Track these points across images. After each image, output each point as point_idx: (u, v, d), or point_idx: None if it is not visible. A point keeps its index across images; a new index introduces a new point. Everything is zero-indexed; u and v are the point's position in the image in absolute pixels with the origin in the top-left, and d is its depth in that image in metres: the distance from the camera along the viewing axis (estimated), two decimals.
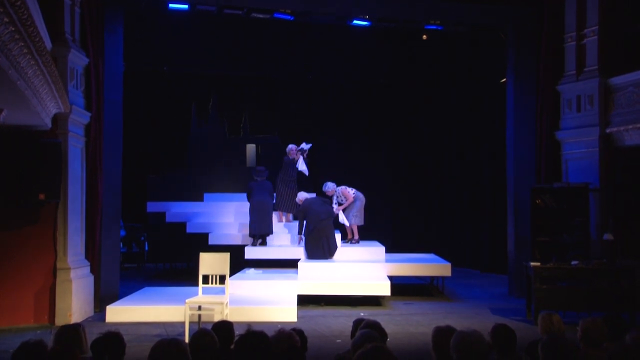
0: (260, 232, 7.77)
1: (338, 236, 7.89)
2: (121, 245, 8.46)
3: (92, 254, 6.35)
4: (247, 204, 8.37)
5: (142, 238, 10.04)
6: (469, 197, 10.19)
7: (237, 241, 8.26)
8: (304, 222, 7.50)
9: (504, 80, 8.15)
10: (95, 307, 6.29)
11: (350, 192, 7.98)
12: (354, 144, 10.50)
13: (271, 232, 7.87)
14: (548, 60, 7.43)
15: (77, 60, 6.16)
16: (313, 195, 8.12)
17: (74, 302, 5.80)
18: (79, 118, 6.15)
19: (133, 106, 8.25)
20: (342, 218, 7.81)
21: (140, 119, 9.56)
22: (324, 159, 9.29)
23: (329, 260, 7.37)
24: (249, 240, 8.16)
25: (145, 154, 9.95)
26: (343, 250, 7.71)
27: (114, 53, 6.66)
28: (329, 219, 7.44)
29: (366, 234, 8.56)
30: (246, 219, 8.62)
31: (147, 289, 7.02)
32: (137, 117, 9.17)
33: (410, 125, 10.64)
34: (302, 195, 7.88)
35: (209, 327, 2.82)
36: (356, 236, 8.14)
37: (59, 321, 5.61)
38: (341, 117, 10.58)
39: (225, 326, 2.89)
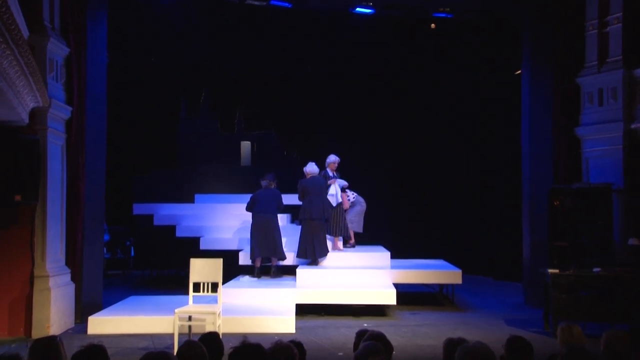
0: (261, 257, 7.35)
1: (333, 240, 7.87)
2: (105, 250, 8.47)
3: (73, 260, 6.32)
4: (243, 207, 8.36)
5: (128, 243, 10.04)
6: (481, 199, 10.17)
7: (231, 246, 8.27)
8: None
9: (519, 72, 8.11)
10: (76, 318, 6.25)
11: (350, 196, 8.04)
12: (357, 141, 10.48)
13: (277, 257, 7.37)
14: (567, 51, 7.38)
15: (57, 50, 6.12)
16: (316, 170, 7.67)
17: (53, 312, 5.76)
18: (59, 113, 6.12)
19: (118, 100, 8.24)
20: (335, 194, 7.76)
21: (126, 114, 9.54)
22: (323, 158, 9.26)
23: (325, 267, 7.35)
24: (244, 244, 8.07)
25: (131, 152, 9.95)
26: (344, 256, 7.69)
27: (97, 43, 6.62)
28: (320, 219, 7.37)
29: (370, 238, 8.50)
30: (241, 222, 8.69)
31: (133, 298, 7.01)
32: (122, 112, 9.17)
33: (417, 122, 10.60)
34: (312, 168, 7.63)
35: (198, 338, 2.80)
36: (352, 240, 8.13)
37: (37, 333, 5.55)
38: (342, 112, 10.56)
39: (214, 337, 2.88)
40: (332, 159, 7.92)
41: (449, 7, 7.77)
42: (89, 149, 6.51)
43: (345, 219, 7.83)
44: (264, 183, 7.60)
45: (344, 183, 8.07)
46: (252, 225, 7.46)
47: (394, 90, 10.52)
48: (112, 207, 7.88)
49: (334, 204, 7.65)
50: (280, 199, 7.56)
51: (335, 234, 7.82)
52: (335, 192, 7.75)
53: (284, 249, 7.52)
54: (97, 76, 6.64)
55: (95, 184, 6.61)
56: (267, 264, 7.57)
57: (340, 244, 7.87)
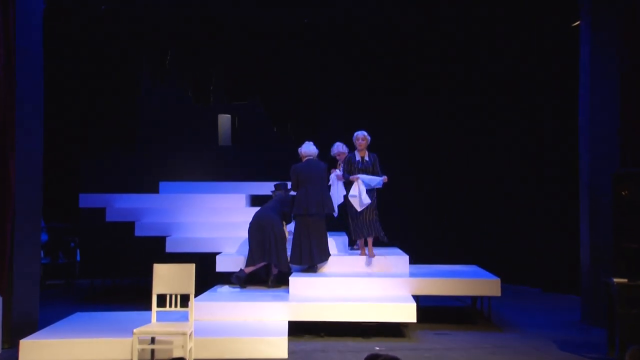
0: (259, 262, 7.40)
1: (336, 240, 7.85)
2: (42, 254, 8.47)
3: (0, 267, 6.16)
4: (222, 198, 8.25)
5: (73, 244, 10.04)
6: (525, 189, 10.15)
7: (206, 247, 8.27)
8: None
9: (577, 23, 8.02)
10: (4, 341, 6.16)
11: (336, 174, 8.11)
12: (365, 118, 10.28)
13: (280, 266, 7.42)
14: None
15: None
16: (314, 151, 7.63)
17: None
18: None
19: (59, 60, 8.12)
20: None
21: (70, 79, 9.53)
22: (324, 135, 9.12)
23: (326, 274, 7.34)
24: (224, 246, 8.09)
25: (77, 128, 9.94)
26: (350, 260, 7.69)
27: None
28: (318, 214, 7.36)
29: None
30: (219, 217, 8.80)
31: (78, 315, 6.92)
32: (65, 76, 9.09)
33: (442, 91, 10.55)
34: (308, 148, 7.59)
35: None
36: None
37: None
38: (348, 77, 10.49)
39: None
40: (360, 135, 7.60)
41: None
42: (20, 122, 6.34)
43: (375, 213, 7.57)
44: (278, 192, 7.93)
45: (376, 180, 7.45)
46: (250, 227, 7.54)
47: (412, 48, 10.41)
48: (52, 198, 7.84)
49: (359, 208, 7.43)
50: (287, 202, 7.75)
51: (361, 235, 7.60)
52: (358, 192, 7.37)
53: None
54: (29, 26, 6.47)
55: (29, 168, 6.49)
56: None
57: (370, 247, 7.61)
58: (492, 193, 10.43)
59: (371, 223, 7.55)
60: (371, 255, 7.59)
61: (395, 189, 9.32)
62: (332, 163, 8.36)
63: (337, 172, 8.11)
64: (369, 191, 7.47)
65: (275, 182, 8.06)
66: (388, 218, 8.46)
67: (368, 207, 7.49)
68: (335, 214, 7.70)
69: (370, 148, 7.74)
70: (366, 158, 7.65)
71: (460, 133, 10.58)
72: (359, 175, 7.48)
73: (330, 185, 7.97)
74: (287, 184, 7.87)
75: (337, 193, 7.94)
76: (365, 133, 7.64)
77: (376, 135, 7.85)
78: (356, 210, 7.49)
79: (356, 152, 7.67)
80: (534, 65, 9.85)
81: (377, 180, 7.52)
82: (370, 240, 7.61)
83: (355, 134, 7.66)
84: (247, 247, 7.51)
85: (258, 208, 7.86)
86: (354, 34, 10.22)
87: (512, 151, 10.26)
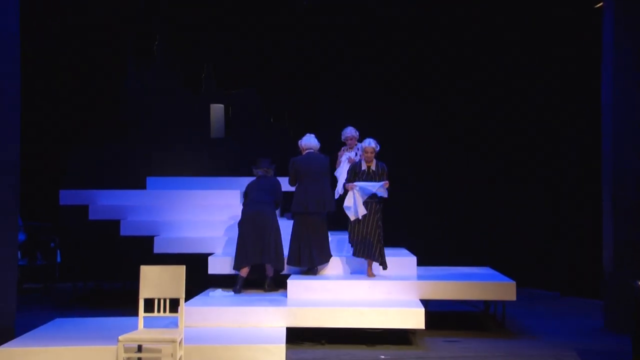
0: (249, 263, 7.36)
1: (338, 240, 7.84)
2: (19, 255, 8.46)
3: None
4: (215, 194, 8.21)
5: (52, 244, 10.03)
6: (543, 185, 10.15)
7: (197, 248, 8.29)
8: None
9: (600, 4, 8.00)
10: None
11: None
12: (372, 108, 10.42)
13: (276, 267, 7.40)
14: None
15: None
16: (315, 144, 7.57)
17: None
18: None
19: (37, 47, 8.07)
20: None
21: (50, 66, 9.57)
22: (325, 128, 9.10)
23: (327, 277, 7.33)
24: (216, 246, 8.07)
25: (58, 118, 9.93)
26: (353, 262, 7.67)
27: None
28: (319, 212, 7.33)
29: (388, 238, 8.39)
30: (211, 215, 8.77)
31: (59, 321, 6.90)
32: (44, 63, 9.04)
33: (451, 80, 10.57)
34: (309, 141, 7.54)
35: None
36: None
37: None
38: (353, 63, 10.48)
39: None
40: (369, 147, 7.25)
41: None
42: None
43: (379, 233, 7.26)
44: (259, 172, 7.70)
45: (376, 186, 7.16)
46: (240, 221, 7.50)
47: (421, 35, 10.46)
48: (30, 195, 7.79)
49: (352, 217, 7.27)
50: (279, 189, 7.68)
51: (357, 252, 7.41)
52: (353, 202, 7.17)
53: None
54: (5, 9, 6.40)
55: (4, 162, 6.44)
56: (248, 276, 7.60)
57: (369, 267, 7.43)
58: (506, 192, 10.45)
59: (370, 244, 7.23)
60: (370, 276, 7.35)
61: (401, 188, 9.36)
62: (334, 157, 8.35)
63: (348, 154, 8.01)
64: (371, 199, 7.20)
65: (257, 164, 7.76)
66: (395, 218, 8.46)
67: (371, 223, 7.22)
68: (333, 208, 7.50)
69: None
70: (373, 168, 7.35)
71: (470, 129, 10.61)
72: (356, 183, 7.25)
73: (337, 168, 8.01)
74: (269, 160, 7.70)
75: (341, 177, 7.92)
76: (374, 143, 7.27)
77: (383, 134, 7.84)
78: (356, 220, 7.25)
79: (362, 162, 7.41)
80: (538, 61, 9.91)
81: (377, 186, 7.21)
82: (369, 261, 7.39)
83: (362, 144, 7.35)
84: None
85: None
86: (357, 22, 10.30)
87: (528, 149, 10.28)
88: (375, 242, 7.26)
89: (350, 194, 7.27)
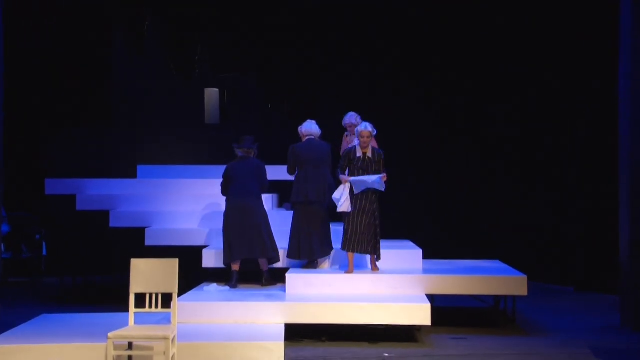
0: (237, 259, 7.34)
1: (340, 232, 7.74)
2: (3, 248, 8.46)
3: None
4: (209, 183, 8.17)
5: (38, 236, 10.03)
6: (554, 175, 10.16)
7: (191, 240, 8.31)
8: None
9: None
10: None
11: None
12: (376, 94, 10.43)
13: (267, 258, 7.39)
14: None
15: None
16: (316, 130, 7.54)
17: None
18: None
19: (19, 26, 7.99)
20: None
21: (34, 46, 9.53)
22: (327, 115, 9.08)
23: (327, 271, 7.33)
24: (211, 238, 8.10)
25: (42, 102, 9.93)
26: (357, 254, 7.57)
27: None
28: (319, 202, 7.28)
29: (392, 230, 8.49)
30: (205, 205, 8.77)
31: (45, 317, 6.91)
32: (27, 44, 8.96)
33: (459, 64, 10.57)
34: (310, 127, 7.49)
35: None
36: None
37: None
38: (358, 47, 10.49)
39: None
40: (365, 131, 7.01)
41: None
42: None
43: (377, 225, 7.12)
44: (239, 152, 7.56)
45: (372, 179, 6.95)
46: (225, 213, 7.44)
47: (430, 12, 10.47)
48: (14, 184, 7.76)
49: (338, 209, 7.12)
50: (264, 172, 7.58)
51: (349, 246, 7.24)
52: (341, 195, 7.01)
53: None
54: None
55: None
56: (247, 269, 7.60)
57: (372, 261, 7.34)
58: (515, 182, 10.47)
59: (365, 238, 7.07)
60: (374, 270, 7.26)
61: (404, 176, 9.39)
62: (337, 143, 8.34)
63: (354, 143, 7.98)
64: (367, 191, 7.00)
65: (240, 142, 7.62)
66: (398, 208, 8.44)
67: (368, 214, 7.04)
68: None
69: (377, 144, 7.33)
70: (369, 155, 7.14)
71: (486, 117, 10.66)
72: (350, 178, 7.06)
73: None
74: (252, 139, 7.60)
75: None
76: (370, 127, 7.06)
77: (388, 118, 7.84)
78: (349, 212, 7.07)
79: (357, 147, 7.21)
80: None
81: (372, 179, 7.01)
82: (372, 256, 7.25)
83: (358, 128, 7.15)
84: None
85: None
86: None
87: (551, 133, 10.28)
88: (371, 235, 7.11)
89: (341, 186, 7.10)
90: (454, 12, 10.24)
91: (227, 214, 7.43)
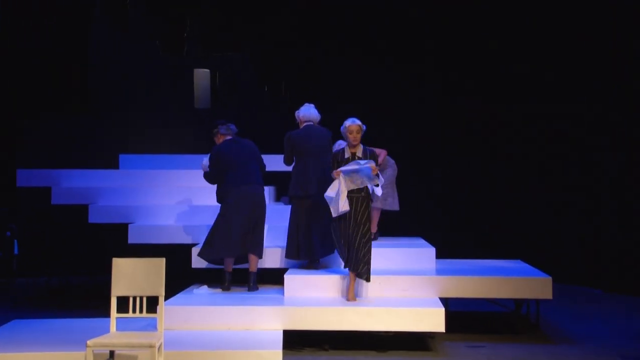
0: (233, 255, 7.29)
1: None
2: None
3: None
4: (199, 175, 8.18)
5: (9, 233, 10.01)
6: (581, 169, 10.23)
7: (179, 238, 8.34)
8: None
9: None
10: None
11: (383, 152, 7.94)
12: (383, 79, 10.48)
13: (257, 254, 7.34)
14: None
15: None
16: (315, 115, 7.49)
17: None
18: None
19: None
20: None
21: (5, 21, 9.57)
22: (328, 100, 9.10)
23: (330, 272, 7.33)
24: (200, 235, 8.10)
25: (14, 87, 9.95)
26: None
27: None
28: (320, 195, 7.00)
29: (404, 227, 8.61)
30: (195, 200, 8.82)
31: (17, 322, 6.95)
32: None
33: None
34: (308, 111, 7.45)
35: None
36: (374, 229, 8.10)
37: None
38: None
39: None
40: (354, 126, 6.68)
41: None
42: None
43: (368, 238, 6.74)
44: (224, 132, 7.47)
45: (363, 169, 6.50)
46: (229, 203, 7.24)
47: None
48: None
49: (334, 214, 6.74)
50: (260, 154, 7.56)
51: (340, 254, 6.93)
52: (337, 192, 6.62)
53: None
54: None
55: None
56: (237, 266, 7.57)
57: (351, 286, 6.89)
58: (537, 176, 10.55)
59: (354, 250, 6.66)
60: (350, 299, 6.74)
61: (416, 169, 9.41)
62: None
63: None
64: (357, 193, 6.63)
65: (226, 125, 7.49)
66: (410, 203, 8.43)
67: (355, 221, 6.65)
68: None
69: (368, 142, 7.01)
70: (359, 154, 6.76)
71: (498, 99, 10.74)
72: (341, 169, 6.65)
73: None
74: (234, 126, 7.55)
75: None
76: (359, 122, 6.72)
77: (393, 107, 7.85)
78: (336, 218, 6.74)
79: (345, 148, 6.78)
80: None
81: (362, 163, 6.56)
82: (351, 275, 6.73)
83: (346, 123, 6.75)
84: None
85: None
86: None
87: (562, 124, 10.35)
88: (359, 246, 6.67)
89: (335, 182, 6.71)
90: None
91: (232, 204, 7.18)
